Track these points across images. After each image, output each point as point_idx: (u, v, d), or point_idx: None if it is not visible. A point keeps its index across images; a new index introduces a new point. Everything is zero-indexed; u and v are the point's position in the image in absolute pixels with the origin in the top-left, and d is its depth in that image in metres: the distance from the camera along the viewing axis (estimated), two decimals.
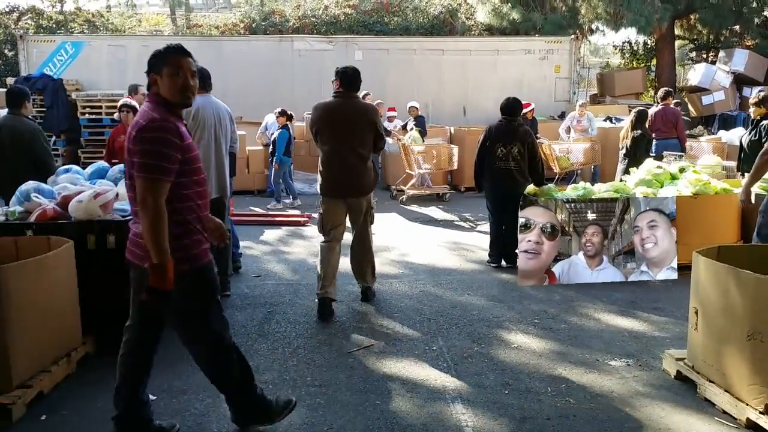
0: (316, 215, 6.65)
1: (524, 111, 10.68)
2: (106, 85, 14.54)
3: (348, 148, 5.34)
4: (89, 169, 5.92)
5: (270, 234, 8.67)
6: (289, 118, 11.15)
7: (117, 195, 4.84)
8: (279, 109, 11.13)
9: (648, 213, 6.55)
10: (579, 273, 6.43)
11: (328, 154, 5.42)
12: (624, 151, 9.44)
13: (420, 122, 12.03)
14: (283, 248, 7.99)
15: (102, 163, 6.07)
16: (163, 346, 4.71)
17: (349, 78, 5.42)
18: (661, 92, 11.27)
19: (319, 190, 5.59)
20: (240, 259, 6.85)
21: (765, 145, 5.19)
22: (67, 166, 6.04)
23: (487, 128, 6.96)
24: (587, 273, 6.42)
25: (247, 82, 14.45)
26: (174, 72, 3.17)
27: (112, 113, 13.73)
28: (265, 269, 6.99)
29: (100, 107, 13.77)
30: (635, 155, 9.04)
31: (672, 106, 10.94)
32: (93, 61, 15.18)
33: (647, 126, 9.70)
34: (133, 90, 8.81)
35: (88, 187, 5.00)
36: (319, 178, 5.54)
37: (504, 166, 6.74)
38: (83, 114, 13.81)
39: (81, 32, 20.03)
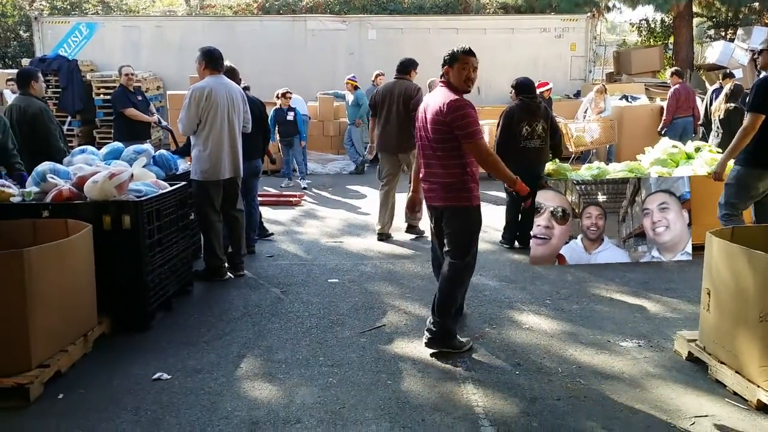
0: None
1: (541, 90, 10.64)
2: (119, 66, 14.56)
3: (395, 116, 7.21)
4: (104, 150, 5.98)
5: (283, 214, 8.71)
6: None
7: (132, 175, 4.88)
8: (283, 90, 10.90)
9: (658, 194, 6.45)
10: (576, 257, 6.40)
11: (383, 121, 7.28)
12: (716, 125, 8.98)
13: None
14: (297, 228, 8.03)
15: (117, 144, 6.12)
16: (178, 327, 4.81)
17: (400, 64, 7.49)
18: (669, 72, 11.23)
19: (376, 149, 7.53)
20: (255, 245, 6.89)
21: (745, 121, 5.21)
22: (82, 147, 6.10)
23: (507, 109, 6.86)
24: (584, 256, 6.40)
25: (261, 62, 14.43)
26: (462, 67, 4.24)
27: None
28: (278, 249, 7.04)
29: (115, 87, 13.84)
30: (730, 129, 8.46)
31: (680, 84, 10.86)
32: (107, 42, 15.25)
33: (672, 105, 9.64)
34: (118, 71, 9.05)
35: (104, 167, 5.04)
36: (374, 139, 7.51)
37: (530, 144, 6.71)
38: (98, 95, 13.90)
39: (95, 13, 20.07)
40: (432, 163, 4.31)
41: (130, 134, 8.31)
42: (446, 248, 4.38)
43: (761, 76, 5.32)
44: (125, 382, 3.93)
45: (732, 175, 5.35)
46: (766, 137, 5.09)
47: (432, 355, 4.30)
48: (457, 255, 4.31)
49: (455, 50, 4.29)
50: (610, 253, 6.41)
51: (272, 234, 7.51)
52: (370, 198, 9.91)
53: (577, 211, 6.41)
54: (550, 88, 11.86)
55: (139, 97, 9.01)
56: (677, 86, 10.87)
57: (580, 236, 6.41)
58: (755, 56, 5.54)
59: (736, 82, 9.42)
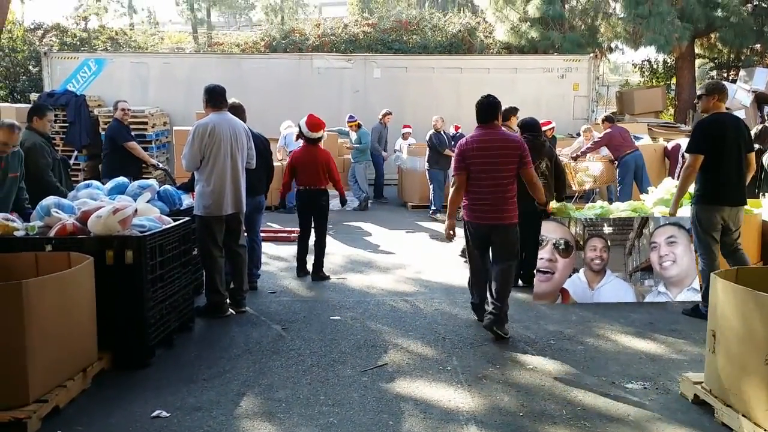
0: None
1: (544, 129, 10.72)
2: (128, 102, 14.70)
3: None
4: (109, 185, 6.00)
5: (286, 250, 8.70)
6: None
7: (136, 211, 4.90)
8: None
9: (667, 228, 6.44)
10: (579, 292, 6.34)
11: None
12: None
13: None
14: None
15: (122, 179, 6.14)
16: (178, 364, 4.77)
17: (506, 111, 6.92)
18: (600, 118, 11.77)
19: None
20: (257, 281, 6.87)
21: (686, 162, 5.80)
22: (87, 182, 6.13)
23: None
24: (587, 292, 6.35)
25: (267, 100, 14.56)
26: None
27: (134, 129, 13.91)
28: (280, 285, 7.01)
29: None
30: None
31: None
32: (115, 77, 15.42)
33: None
34: (114, 106, 8.98)
35: (108, 202, 5.05)
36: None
37: None
38: (104, 130, 14.00)
39: (104, 49, 20.37)
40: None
41: (122, 171, 8.05)
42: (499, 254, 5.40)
43: (700, 119, 5.84)
44: (124, 420, 3.88)
45: (691, 215, 5.84)
46: (710, 175, 5.59)
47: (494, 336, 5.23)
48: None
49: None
50: (612, 286, 6.36)
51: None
52: (374, 235, 9.90)
53: (580, 242, 6.39)
54: (553, 127, 11.95)
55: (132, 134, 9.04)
56: (609, 130, 11.14)
57: (582, 269, 6.38)
58: (696, 101, 5.91)
59: (766, 124, 9.29)
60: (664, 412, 4.03)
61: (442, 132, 11.53)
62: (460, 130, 12.63)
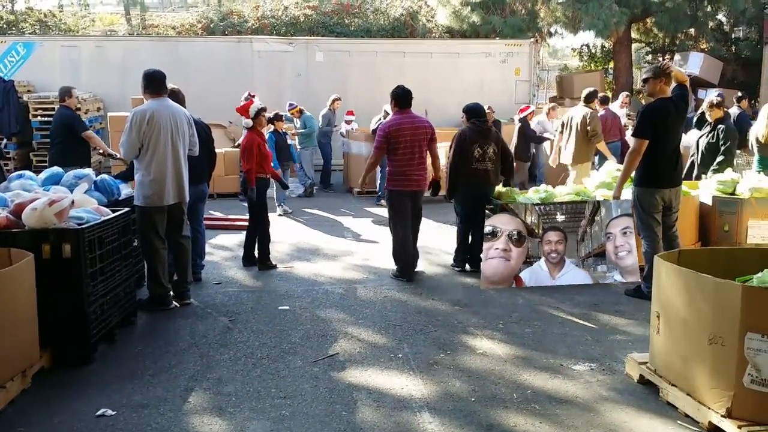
0: None
1: (525, 114, 10.89)
2: (58, 87, 14.10)
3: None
4: (43, 175, 5.75)
5: (230, 239, 8.53)
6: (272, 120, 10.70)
7: (73, 202, 4.69)
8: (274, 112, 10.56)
9: (621, 219, 6.58)
10: (539, 280, 6.45)
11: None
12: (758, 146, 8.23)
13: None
14: None
15: (57, 169, 5.88)
16: (122, 360, 4.63)
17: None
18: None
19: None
20: (201, 271, 6.70)
21: (631, 146, 5.96)
22: (19, 172, 5.85)
23: (460, 132, 6.97)
24: (548, 280, 6.46)
25: (206, 84, 14.19)
26: None
27: None
28: (225, 276, 6.87)
29: (53, 109, 13.40)
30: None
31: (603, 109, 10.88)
32: (45, 62, 14.76)
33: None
34: (66, 93, 8.40)
35: (43, 194, 4.84)
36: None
37: (481, 166, 6.81)
38: (35, 116, 13.46)
39: (33, 32, 19.50)
40: None
41: (75, 157, 7.77)
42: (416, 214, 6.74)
43: (646, 103, 5.98)
44: (67, 420, 3.74)
45: (633, 198, 6.02)
46: (651, 159, 5.75)
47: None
48: None
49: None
50: (572, 275, 6.50)
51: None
52: (320, 221, 9.81)
53: (536, 231, 6.47)
54: (533, 112, 11.77)
55: None
56: (603, 112, 10.72)
57: (542, 259, 6.48)
58: (642, 84, 6.07)
59: (703, 110, 8.79)
60: (611, 393, 4.12)
61: None
62: (353, 116, 12.80)
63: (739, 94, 11.87)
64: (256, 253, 7.19)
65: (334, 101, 12.75)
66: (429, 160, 6.76)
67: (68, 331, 4.47)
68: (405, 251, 6.64)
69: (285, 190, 10.13)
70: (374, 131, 11.28)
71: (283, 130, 10.61)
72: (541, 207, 6.53)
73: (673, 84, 5.86)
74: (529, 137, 11.16)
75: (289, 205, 10.59)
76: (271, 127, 10.02)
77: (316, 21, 19.88)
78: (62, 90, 8.49)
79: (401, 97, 6.58)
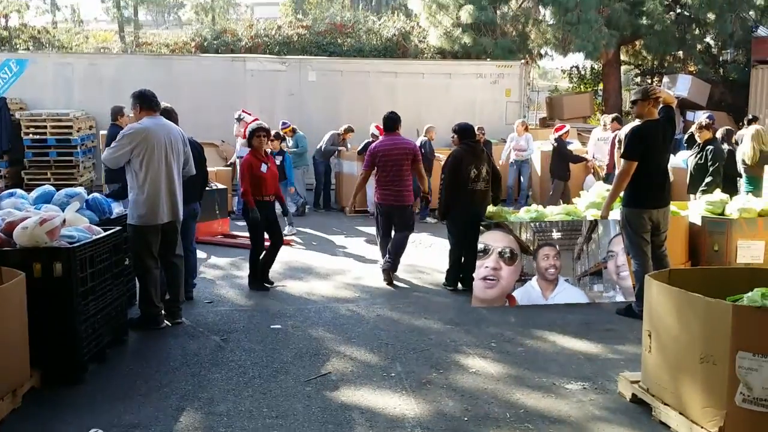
0: None
1: (560, 133, 10.95)
2: (51, 104, 14.15)
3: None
4: (34, 193, 5.73)
5: (222, 258, 8.51)
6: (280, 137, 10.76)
7: (64, 221, 4.68)
8: (275, 131, 10.55)
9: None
10: (534, 300, 6.44)
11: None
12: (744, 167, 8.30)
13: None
14: (236, 272, 7.82)
15: (48, 187, 5.87)
16: (113, 379, 4.59)
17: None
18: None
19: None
20: (193, 290, 6.68)
21: (620, 167, 5.95)
22: (11, 190, 5.84)
23: (454, 153, 6.99)
24: (541, 300, 6.44)
25: (199, 102, 14.22)
26: None
27: (58, 133, 13.41)
28: (217, 295, 6.84)
29: (45, 127, 13.42)
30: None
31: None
32: (38, 79, 14.74)
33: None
34: (119, 112, 8.45)
35: (34, 212, 4.83)
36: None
37: (477, 187, 6.86)
38: (27, 134, 13.44)
39: (26, 49, 19.53)
40: None
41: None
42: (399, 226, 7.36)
43: (635, 126, 5.93)
44: None
45: (621, 218, 6.07)
46: (639, 180, 5.79)
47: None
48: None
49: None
50: (566, 294, 6.47)
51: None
52: (312, 240, 9.81)
53: (530, 248, 6.47)
54: (568, 131, 11.77)
55: None
56: (618, 132, 10.72)
57: (535, 278, 6.46)
58: (631, 106, 6.13)
59: (692, 131, 8.80)
60: (604, 412, 4.13)
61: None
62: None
63: (750, 116, 12.03)
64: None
65: (346, 132, 12.70)
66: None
67: (59, 351, 4.44)
68: (384, 248, 7.47)
69: (291, 210, 10.19)
70: (359, 152, 11.39)
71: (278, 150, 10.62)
72: (538, 224, 6.55)
73: (660, 105, 5.92)
74: (565, 156, 11.15)
75: (281, 223, 10.55)
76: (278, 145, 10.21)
77: (309, 40, 20.00)
78: (114, 109, 8.69)
79: (387, 121, 7.43)
